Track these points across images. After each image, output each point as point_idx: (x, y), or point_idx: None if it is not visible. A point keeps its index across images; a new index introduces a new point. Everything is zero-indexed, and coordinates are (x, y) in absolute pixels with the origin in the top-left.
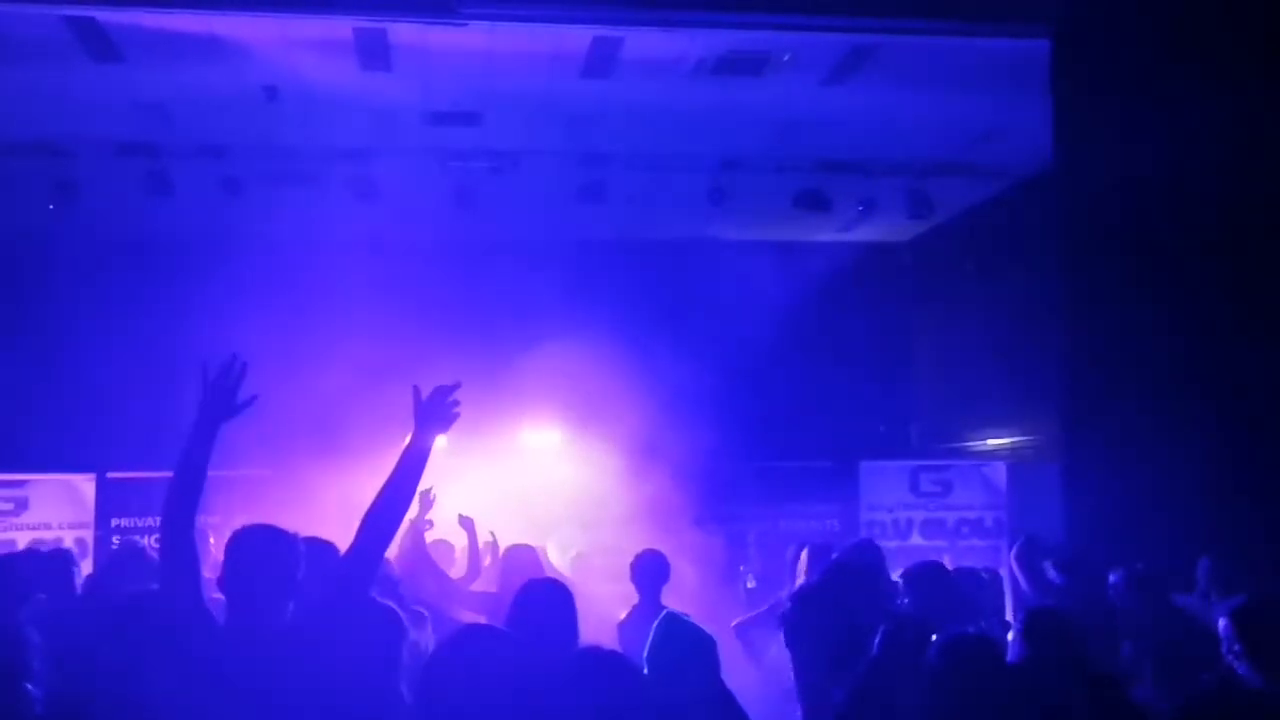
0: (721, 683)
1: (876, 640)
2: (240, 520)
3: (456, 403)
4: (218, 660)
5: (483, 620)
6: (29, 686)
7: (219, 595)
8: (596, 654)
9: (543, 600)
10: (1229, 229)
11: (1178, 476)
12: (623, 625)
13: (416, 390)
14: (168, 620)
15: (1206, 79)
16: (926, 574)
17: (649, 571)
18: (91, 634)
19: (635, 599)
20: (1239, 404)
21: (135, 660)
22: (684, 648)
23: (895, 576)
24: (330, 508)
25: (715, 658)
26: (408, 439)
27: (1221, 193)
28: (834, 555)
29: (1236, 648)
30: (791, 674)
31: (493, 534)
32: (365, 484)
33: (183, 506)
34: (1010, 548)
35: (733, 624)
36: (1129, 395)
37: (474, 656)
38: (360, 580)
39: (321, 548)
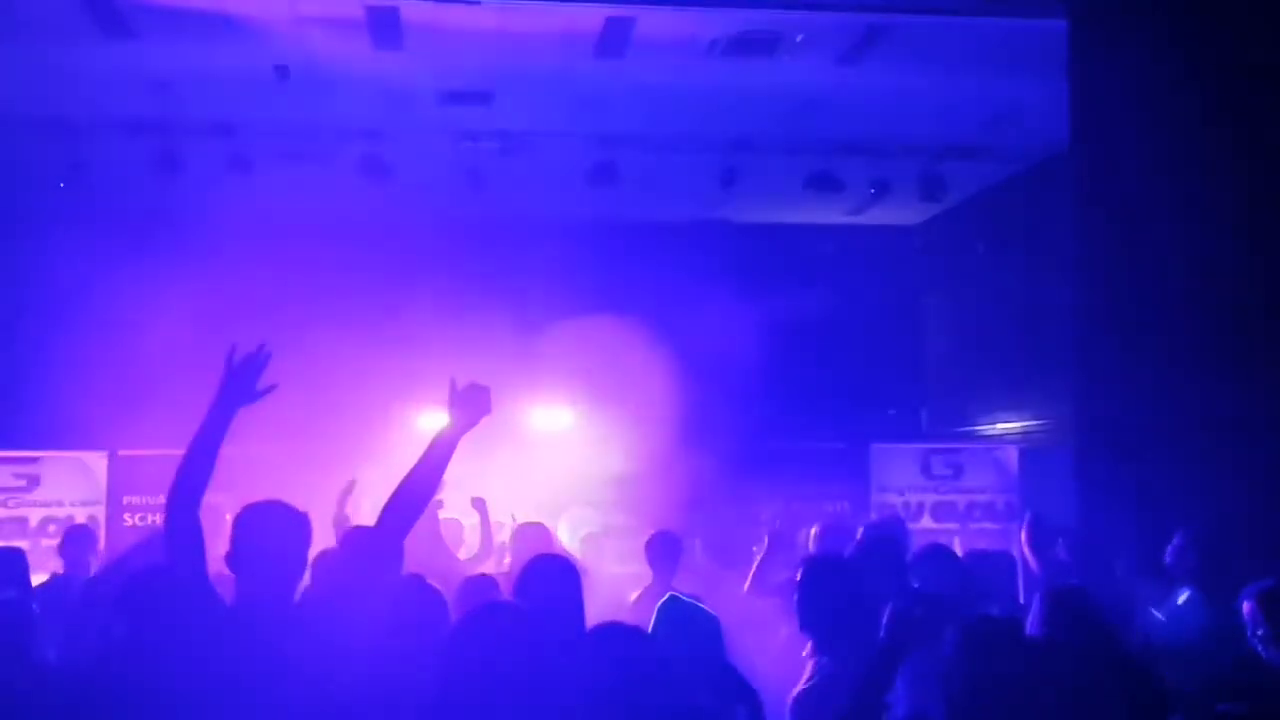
0: (726, 659)
1: (885, 619)
2: (248, 497)
3: (489, 399)
4: (225, 635)
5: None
6: (39, 658)
7: (227, 572)
8: (615, 629)
9: (548, 574)
10: (1251, 210)
11: (1192, 460)
12: (635, 605)
13: (453, 382)
14: (173, 595)
15: (1229, 59)
16: (932, 557)
17: (662, 551)
18: (104, 608)
19: (646, 579)
20: (1258, 386)
21: (142, 634)
22: (687, 627)
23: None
24: (337, 486)
25: (719, 635)
26: (440, 428)
27: (1243, 173)
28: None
29: (1261, 631)
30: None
31: (514, 516)
32: (374, 462)
33: (191, 485)
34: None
35: (745, 588)
36: (1143, 378)
37: (493, 633)
38: (383, 560)
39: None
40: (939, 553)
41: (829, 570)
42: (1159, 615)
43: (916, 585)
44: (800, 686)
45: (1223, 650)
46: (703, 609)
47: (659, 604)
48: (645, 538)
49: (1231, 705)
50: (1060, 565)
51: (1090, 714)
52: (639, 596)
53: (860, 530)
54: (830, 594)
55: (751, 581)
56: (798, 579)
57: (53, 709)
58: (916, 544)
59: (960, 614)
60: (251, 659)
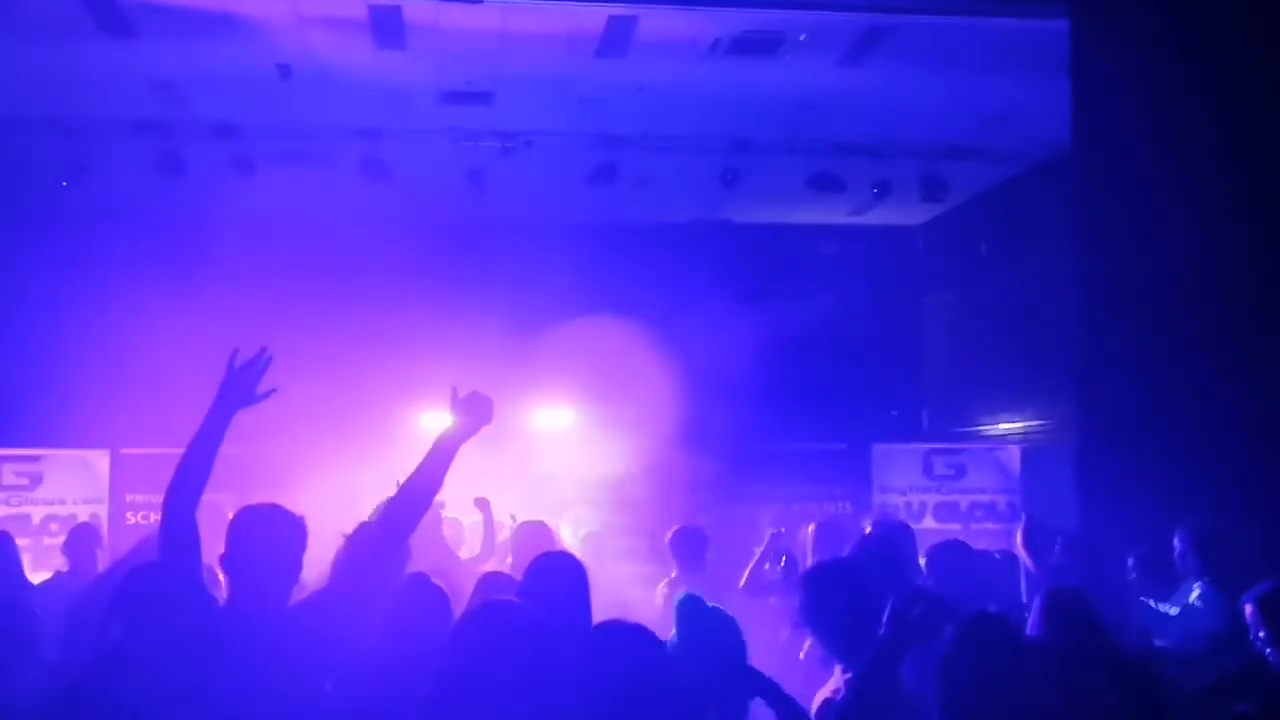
0: (745, 656)
1: (884, 617)
2: (248, 496)
3: (490, 408)
4: (217, 636)
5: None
6: (41, 655)
7: (222, 574)
8: (619, 627)
9: (555, 571)
10: (1252, 208)
11: (1194, 457)
12: (660, 597)
13: (454, 390)
14: (166, 595)
15: (1230, 56)
16: (950, 552)
17: (687, 546)
18: (101, 607)
19: (645, 578)
20: (1259, 383)
21: (135, 634)
22: (707, 623)
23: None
24: (339, 486)
25: (738, 632)
26: (442, 432)
27: (1244, 171)
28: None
29: (1262, 633)
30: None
31: (513, 516)
32: (375, 463)
33: (188, 486)
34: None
35: (740, 585)
36: (1145, 376)
37: (495, 631)
38: (386, 559)
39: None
40: (953, 548)
41: (833, 577)
42: (1170, 611)
43: (931, 581)
44: (824, 695)
45: (1236, 649)
46: (720, 609)
47: (676, 600)
48: (666, 533)
49: (1250, 706)
50: (1056, 567)
51: (1084, 711)
52: (663, 588)
53: (866, 527)
54: (836, 602)
55: (747, 579)
56: (801, 589)
57: (52, 709)
58: (921, 544)
59: (961, 611)
60: (243, 661)
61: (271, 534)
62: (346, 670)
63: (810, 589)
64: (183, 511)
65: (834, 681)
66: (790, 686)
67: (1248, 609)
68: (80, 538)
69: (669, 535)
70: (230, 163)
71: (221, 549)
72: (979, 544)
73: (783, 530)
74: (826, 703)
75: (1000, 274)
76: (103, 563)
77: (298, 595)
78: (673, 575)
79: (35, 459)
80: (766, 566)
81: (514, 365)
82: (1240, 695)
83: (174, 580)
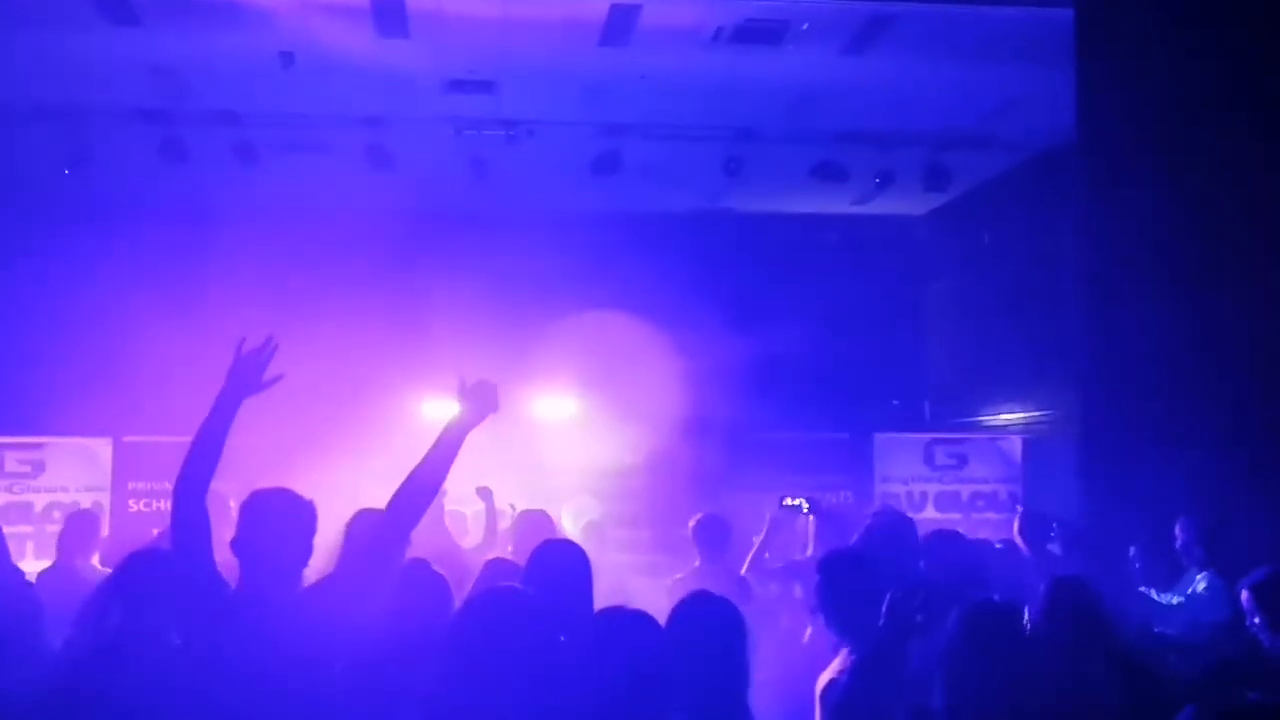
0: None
1: (884, 607)
2: (252, 485)
3: (496, 396)
4: (228, 620)
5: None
6: (42, 643)
7: (233, 558)
8: (621, 614)
9: (558, 559)
10: (1255, 200)
11: (1197, 453)
12: (677, 586)
13: (461, 378)
14: (173, 580)
15: (1235, 46)
16: (945, 541)
17: (710, 534)
18: (105, 590)
19: (647, 568)
20: (1263, 378)
21: (141, 619)
22: (712, 619)
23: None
24: (342, 474)
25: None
26: (449, 420)
27: (1248, 161)
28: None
29: (1258, 620)
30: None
31: (512, 505)
32: (377, 451)
33: (198, 473)
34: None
35: (742, 572)
36: (1149, 370)
37: (497, 618)
38: (393, 549)
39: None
40: (948, 537)
41: (846, 564)
42: (1172, 601)
43: (928, 570)
44: (829, 676)
45: (1238, 638)
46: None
47: (685, 597)
48: (690, 520)
49: (1260, 694)
50: (1054, 555)
51: (1084, 700)
52: (683, 578)
53: (870, 517)
54: (847, 587)
55: (749, 566)
56: (815, 575)
57: (55, 696)
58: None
59: (963, 599)
60: (254, 644)
61: (282, 517)
62: (353, 655)
63: (823, 575)
64: (193, 498)
65: (838, 663)
66: (792, 671)
67: (1244, 595)
68: (77, 525)
69: (692, 523)
70: (233, 151)
71: (227, 536)
72: (980, 534)
73: (780, 511)
74: (831, 684)
75: (1003, 264)
76: (99, 551)
77: (306, 580)
78: (696, 564)
79: (37, 446)
80: (767, 555)
81: (516, 354)
82: (1240, 681)
83: (184, 566)
